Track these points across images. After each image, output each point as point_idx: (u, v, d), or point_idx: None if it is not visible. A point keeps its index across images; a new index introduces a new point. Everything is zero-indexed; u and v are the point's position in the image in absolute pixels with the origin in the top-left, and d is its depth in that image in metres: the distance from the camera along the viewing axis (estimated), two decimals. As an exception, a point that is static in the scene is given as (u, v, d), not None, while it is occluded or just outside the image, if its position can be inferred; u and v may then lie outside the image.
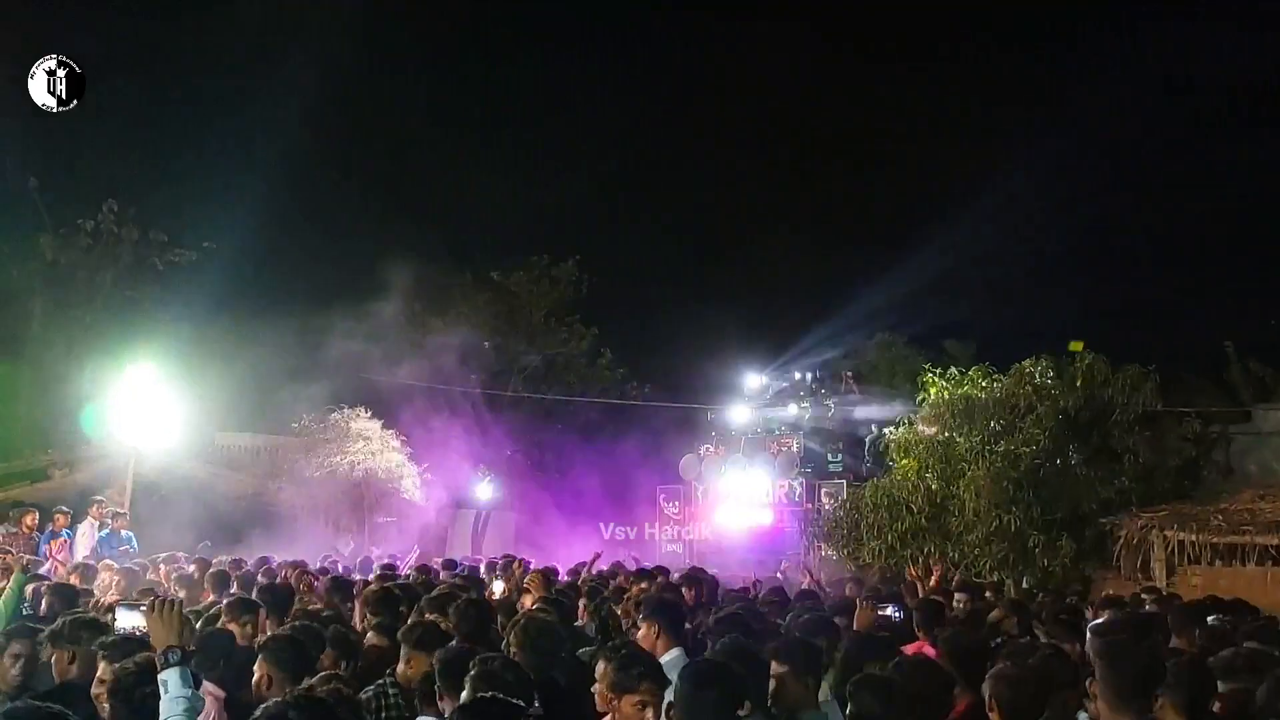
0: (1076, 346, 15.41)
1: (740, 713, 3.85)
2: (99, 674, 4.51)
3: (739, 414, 24.50)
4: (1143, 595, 10.34)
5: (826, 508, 19.89)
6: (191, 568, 10.83)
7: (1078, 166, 28.55)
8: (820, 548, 18.78)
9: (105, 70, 20.68)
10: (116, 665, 4.39)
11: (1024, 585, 14.34)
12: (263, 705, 3.45)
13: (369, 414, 21.70)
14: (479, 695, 3.80)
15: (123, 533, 13.97)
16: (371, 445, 21.47)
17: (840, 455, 22.79)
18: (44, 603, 7.32)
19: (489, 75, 26.02)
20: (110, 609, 5.46)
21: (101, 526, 14.04)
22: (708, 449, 24.23)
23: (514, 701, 3.69)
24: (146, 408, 16.44)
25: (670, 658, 4.83)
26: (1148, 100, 28.31)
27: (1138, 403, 15.65)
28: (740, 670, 4.02)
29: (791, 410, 23.85)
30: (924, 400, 16.32)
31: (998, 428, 15.23)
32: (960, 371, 16.21)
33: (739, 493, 23.25)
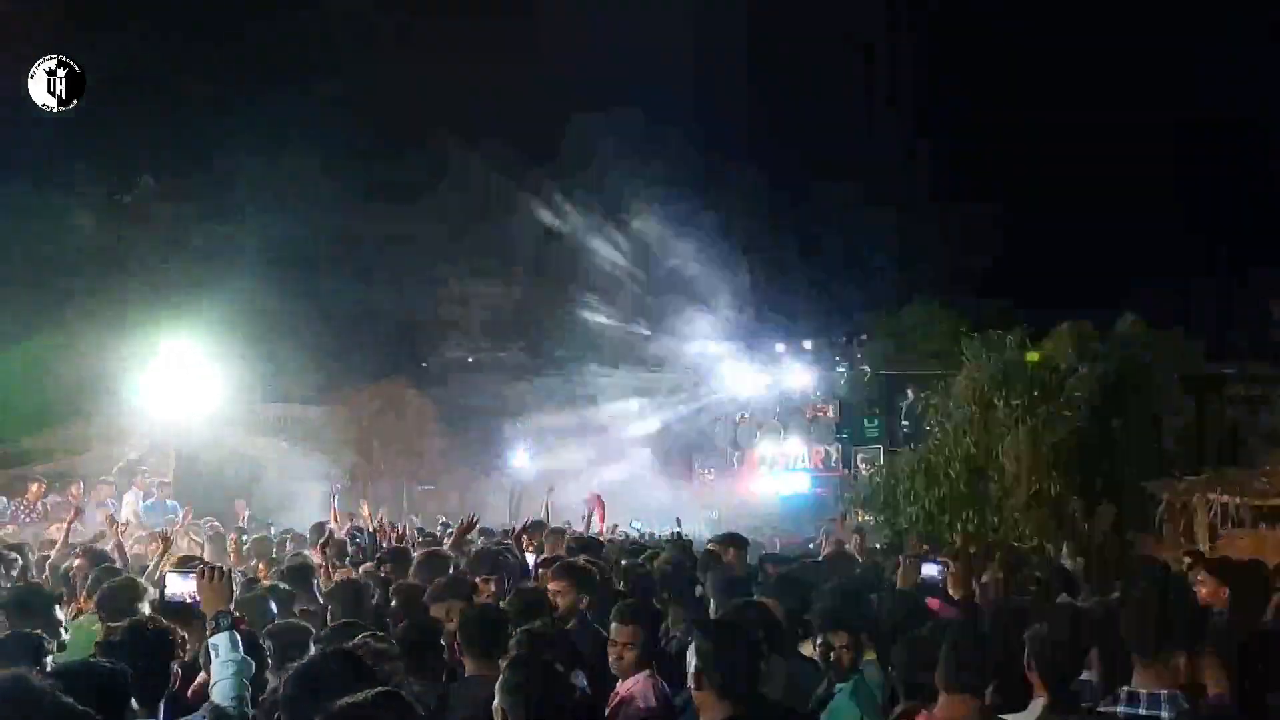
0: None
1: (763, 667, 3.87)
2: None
3: (775, 380, 24.44)
4: (1185, 558, 10.24)
5: (863, 474, 19.86)
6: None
7: (1113, 125, 27.96)
8: (857, 514, 18.78)
9: (140, 43, 20.82)
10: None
11: (1064, 551, 14.23)
12: (297, 662, 3.51)
13: (407, 383, 21.93)
14: (523, 654, 3.85)
15: (168, 502, 14.19)
16: (410, 416, 21.71)
17: (877, 421, 22.71)
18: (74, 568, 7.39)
19: (523, 51, 25.87)
20: (161, 575, 5.55)
21: (146, 496, 14.27)
22: (743, 416, 24.25)
23: (550, 668, 3.74)
24: (187, 379, 16.66)
25: None
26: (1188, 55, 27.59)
27: (1181, 366, 15.45)
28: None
29: (827, 376, 23.77)
30: (962, 364, 16.17)
31: (1037, 392, 15.07)
32: (998, 335, 16.04)
33: (775, 459, 23.28)
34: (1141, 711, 3.56)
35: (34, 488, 14.11)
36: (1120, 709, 3.58)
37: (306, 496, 16.99)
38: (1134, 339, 15.71)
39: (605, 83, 25.75)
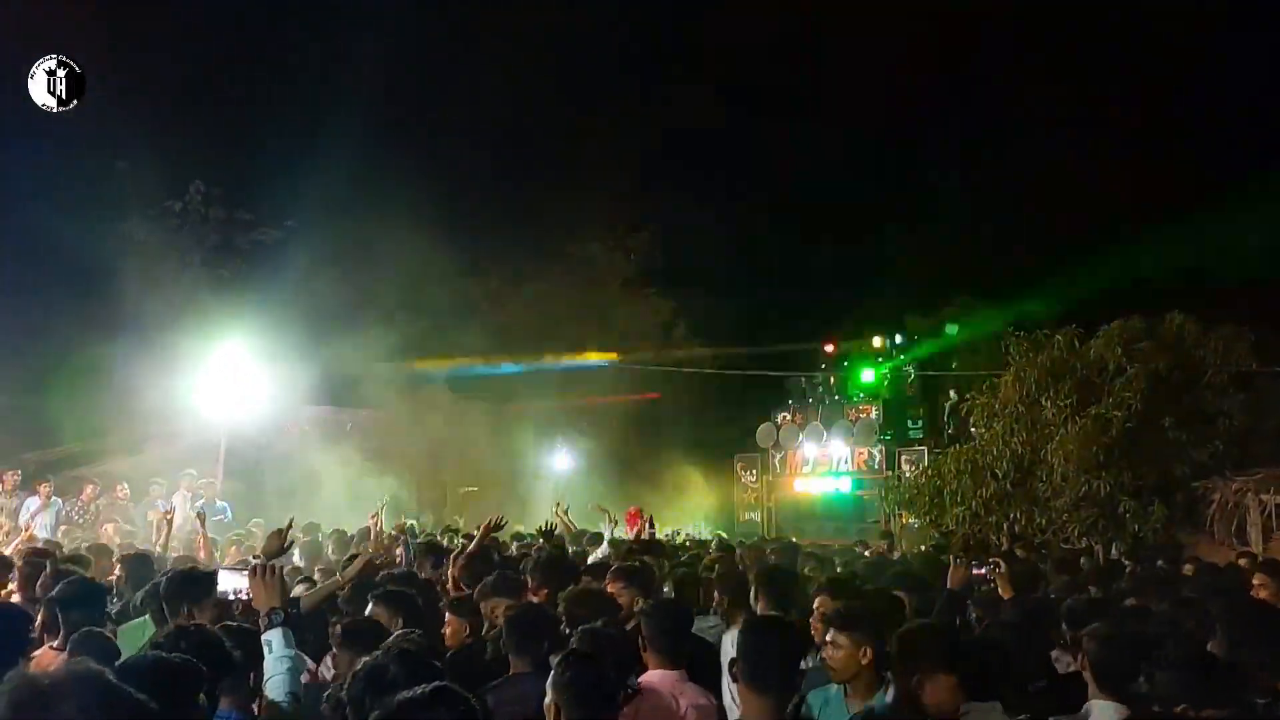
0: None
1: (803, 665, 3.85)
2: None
3: (817, 380, 24.30)
4: (1240, 560, 10.07)
5: (907, 474, 19.69)
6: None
7: (1165, 113, 27.49)
8: (901, 516, 18.64)
9: (185, 50, 21.16)
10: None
11: (1113, 552, 14.03)
12: (364, 660, 3.53)
13: (451, 386, 22.10)
14: (577, 650, 3.86)
15: (218, 503, 14.40)
16: (451, 419, 21.87)
17: (921, 421, 22.50)
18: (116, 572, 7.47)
19: (565, 47, 25.98)
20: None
21: (196, 498, 14.47)
22: (784, 417, 24.14)
23: (601, 665, 3.73)
24: (236, 383, 16.94)
25: None
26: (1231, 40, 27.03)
27: (1232, 363, 15.18)
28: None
29: (870, 376, 23.58)
30: (1009, 363, 15.99)
31: (1086, 391, 14.87)
32: (1045, 334, 15.84)
33: (817, 461, 23.15)
34: None
35: (88, 489, 14.37)
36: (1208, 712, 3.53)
37: (352, 499, 17.15)
38: (1184, 337, 15.46)
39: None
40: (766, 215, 29.57)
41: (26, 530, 11.77)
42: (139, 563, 7.30)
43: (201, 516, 10.15)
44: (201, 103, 20.88)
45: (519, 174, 26.28)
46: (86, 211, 19.23)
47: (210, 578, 4.96)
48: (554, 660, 3.74)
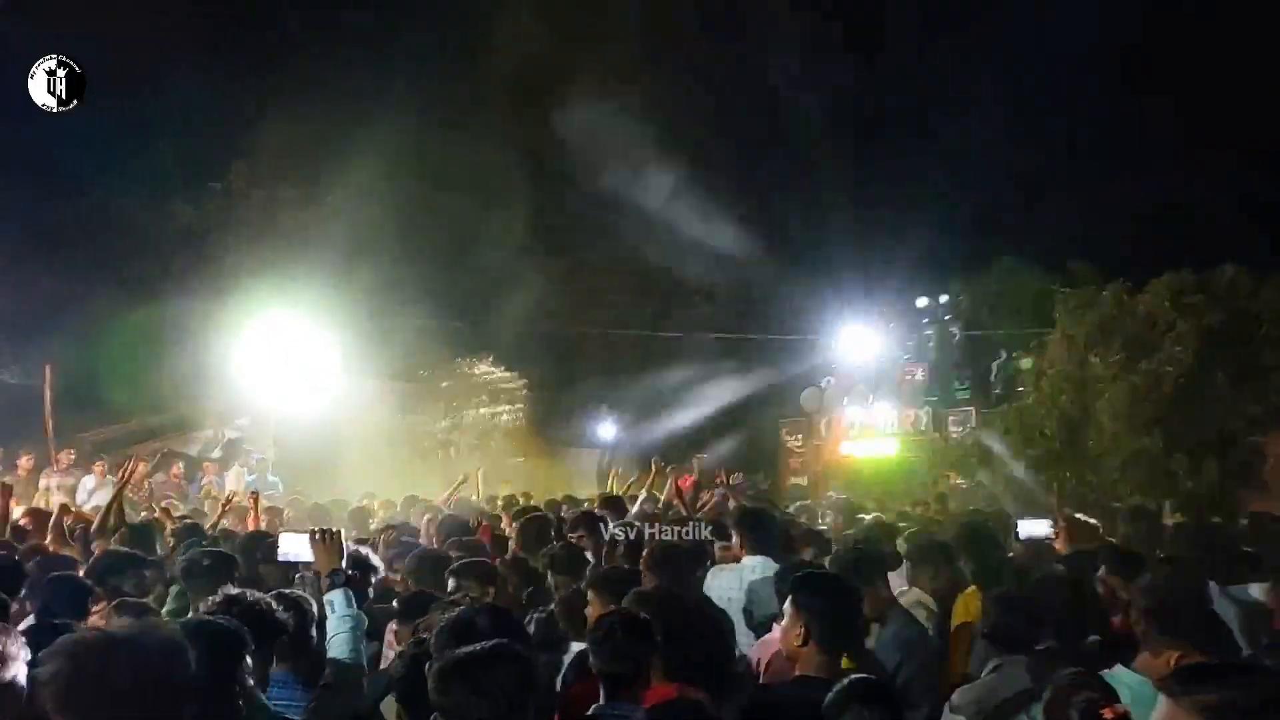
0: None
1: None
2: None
3: (862, 344, 24.07)
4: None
5: (955, 436, 19.56)
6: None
7: (1216, 71, 26.77)
8: (949, 477, 18.54)
9: (228, 31, 21.30)
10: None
11: (1166, 509, 13.87)
12: (449, 614, 3.62)
13: (492, 359, 22.23)
14: (612, 611, 3.91)
15: (269, 476, 14.67)
16: (496, 391, 22.06)
17: (967, 383, 22.25)
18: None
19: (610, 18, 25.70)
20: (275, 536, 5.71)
21: (250, 473, 14.75)
22: (830, 381, 24.02)
23: (646, 621, 3.77)
24: (285, 360, 17.22)
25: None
26: None
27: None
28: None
29: (916, 338, 23.33)
30: (1057, 321, 15.81)
31: (1137, 347, 14.67)
32: (1095, 289, 15.61)
33: (863, 424, 23.04)
34: None
35: (141, 467, 14.64)
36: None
37: (401, 468, 17.36)
38: (1237, 289, 15.17)
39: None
40: (805, 173, 29.18)
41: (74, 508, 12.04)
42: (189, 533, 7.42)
43: (255, 496, 10.07)
44: (243, 83, 20.97)
45: (559, 148, 26.19)
46: (135, 193, 19.52)
47: (230, 559, 5.12)
48: None
